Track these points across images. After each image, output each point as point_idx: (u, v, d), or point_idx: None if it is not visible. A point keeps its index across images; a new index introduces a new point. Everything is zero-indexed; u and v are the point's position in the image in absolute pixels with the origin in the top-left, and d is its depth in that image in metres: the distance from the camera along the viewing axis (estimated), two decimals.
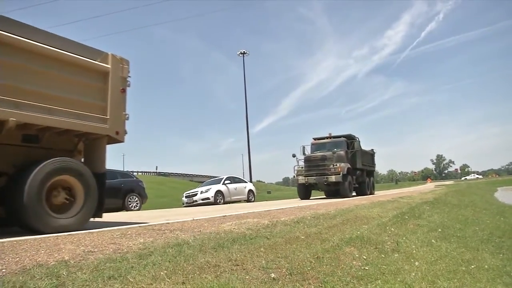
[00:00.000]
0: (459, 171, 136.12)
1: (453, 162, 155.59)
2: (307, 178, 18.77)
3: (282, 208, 9.72)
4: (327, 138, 21.41)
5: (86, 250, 3.74)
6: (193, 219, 6.71)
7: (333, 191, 20.07)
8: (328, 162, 18.43)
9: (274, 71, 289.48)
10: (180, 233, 4.99)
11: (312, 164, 19.08)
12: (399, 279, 3.65)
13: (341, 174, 17.76)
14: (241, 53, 38.73)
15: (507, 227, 8.38)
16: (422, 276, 3.89)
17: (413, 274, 3.94)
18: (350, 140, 20.51)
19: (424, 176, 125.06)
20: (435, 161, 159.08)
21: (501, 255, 5.50)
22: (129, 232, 5.02)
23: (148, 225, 5.82)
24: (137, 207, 16.03)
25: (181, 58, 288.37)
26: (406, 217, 7.86)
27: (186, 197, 21.17)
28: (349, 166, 18.83)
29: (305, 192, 19.81)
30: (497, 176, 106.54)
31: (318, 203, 12.28)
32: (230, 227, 5.48)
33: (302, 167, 19.67)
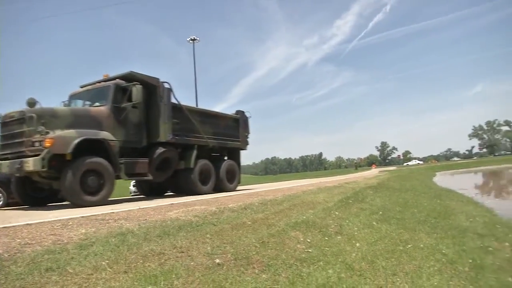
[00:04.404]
0: (401, 157, 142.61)
1: (396, 149, 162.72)
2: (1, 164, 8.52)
3: (230, 195, 9.77)
4: (95, 83, 10.71)
5: (23, 243, 3.57)
6: (139, 208, 6.58)
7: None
8: (28, 128, 8.06)
9: (225, 58, 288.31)
10: (124, 222, 4.88)
11: (6, 134, 8.71)
12: (340, 260, 3.79)
13: (46, 155, 7.60)
14: (191, 39, 38.05)
15: (442, 209, 8.92)
16: (362, 256, 4.06)
17: (354, 254, 4.10)
18: (129, 84, 9.91)
19: (370, 162, 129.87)
20: (379, 148, 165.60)
21: (435, 234, 5.85)
22: (71, 223, 4.84)
23: (91, 215, 5.63)
24: None
25: (128, 43, 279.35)
26: (350, 201, 8.15)
27: (134, 185, 20.66)
28: (96, 136, 8.71)
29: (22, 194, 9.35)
30: (436, 162, 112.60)
31: (267, 189, 12.44)
32: (177, 215, 5.43)
33: None
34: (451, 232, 6.18)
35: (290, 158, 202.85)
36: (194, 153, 11.55)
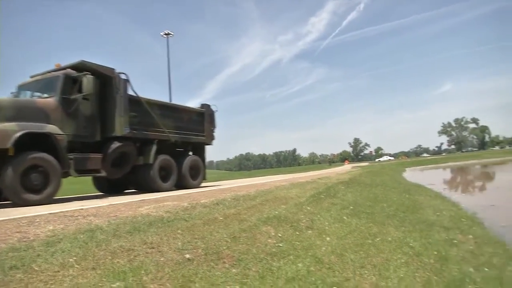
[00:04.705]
0: (373, 153, 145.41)
1: (368, 145, 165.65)
2: None
3: (203, 191, 9.75)
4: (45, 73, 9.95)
5: None
6: (110, 204, 6.49)
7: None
8: None
9: (200, 53, 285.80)
10: (94, 219, 4.81)
11: None
12: (310, 254, 3.85)
13: None
14: (165, 33, 37.56)
15: (410, 203, 9.15)
16: (331, 250, 4.13)
17: (324, 248, 4.17)
18: (79, 74, 9.29)
19: (343, 158, 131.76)
20: (352, 144, 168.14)
21: (403, 228, 6.00)
22: (38, 220, 4.73)
23: (60, 212, 5.52)
24: None
25: (101, 36, 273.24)
26: (322, 196, 8.26)
27: None
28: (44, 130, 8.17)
29: None
30: (406, 158, 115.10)
31: (240, 185, 12.46)
32: (148, 211, 5.39)
33: None
34: (418, 226, 6.35)
35: (264, 154, 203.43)
36: (154, 148, 10.98)
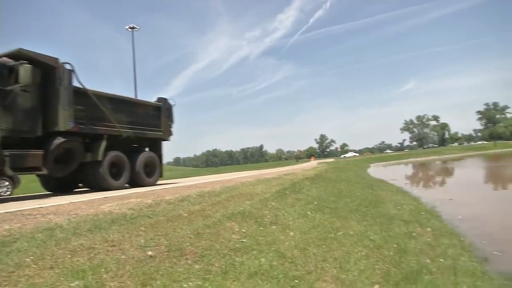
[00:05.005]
0: (339, 150, 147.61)
1: (334, 142, 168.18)
2: None
3: (168, 188, 9.66)
4: None
5: None
6: (70, 202, 6.32)
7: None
8: None
9: (166, 48, 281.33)
10: (53, 217, 4.67)
11: None
12: (273, 249, 3.90)
13: None
14: (130, 27, 36.69)
15: (373, 198, 9.40)
16: (295, 245, 4.20)
17: (287, 243, 4.23)
18: (15, 63, 8.43)
19: (309, 154, 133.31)
20: (318, 140, 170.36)
21: (365, 222, 6.16)
22: None
23: (17, 211, 5.33)
24: (8, 193, 14.18)
25: (62, 29, 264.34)
26: (287, 192, 8.34)
27: None
28: None
29: None
30: (371, 154, 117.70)
31: (206, 181, 12.41)
32: (110, 208, 5.28)
33: None
34: (379, 220, 6.54)
35: (231, 150, 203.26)
36: (103, 144, 10.26)
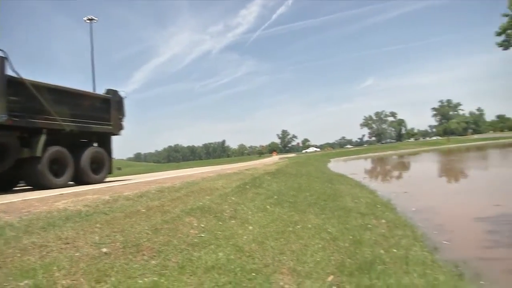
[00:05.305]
0: (301, 145, 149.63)
1: (296, 137, 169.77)
2: None
3: (127, 183, 9.48)
4: None
5: None
6: (23, 200, 6.08)
7: None
8: None
9: (126, 41, 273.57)
10: (3, 215, 4.48)
11: None
12: (231, 243, 3.92)
13: None
14: (88, 19, 35.49)
15: (331, 192, 9.62)
16: (253, 238, 4.24)
17: (245, 237, 4.27)
18: None
19: (271, 149, 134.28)
20: (280, 135, 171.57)
21: (323, 215, 6.30)
22: None
23: None
24: None
25: (14, 19, 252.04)
26: (248, 187, 8.39)
27: None
28: None
29: None
30: (331, 149, 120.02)
31: (166, 177, 12.27)
32: (65, 205, 5.13)
33: None
34: (337, 213, 6.71)
35: (193, 145, 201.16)
36: (42, 138, 9.22)
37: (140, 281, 2.73)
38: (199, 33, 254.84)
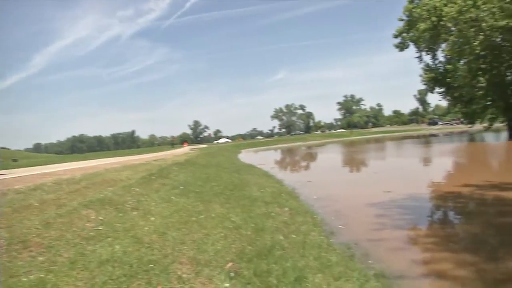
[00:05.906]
0: (212, 136, 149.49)
1: (208, 128, 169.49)
2: None
3: (20, 175, 8.76)
4: None
5: None
6: None
7: None
8: None
9: (24, 19, 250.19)
10: None
11: None
12: (130, 235, 3.83)
13: None
14: None
15: (238, 182, 9.80)
16: (154, 229, 4.18)
17: (146, 228, 4.19)
18: None
19: (183, 140, 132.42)
20: (192, 126, 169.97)
21: (228, 204, 6.40)
22: None
23: None
24: None
25: None
26: (154, 177, 8.22)
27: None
28: None
29: None
30: (243, 140, 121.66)
31: (67, 169, 11.55)
32: None
33: None
34: (242, 202, 6.86)
35: (100, 135, 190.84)
36: None
37: (25, 279, 2.56)
38: (107, 17, 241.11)
